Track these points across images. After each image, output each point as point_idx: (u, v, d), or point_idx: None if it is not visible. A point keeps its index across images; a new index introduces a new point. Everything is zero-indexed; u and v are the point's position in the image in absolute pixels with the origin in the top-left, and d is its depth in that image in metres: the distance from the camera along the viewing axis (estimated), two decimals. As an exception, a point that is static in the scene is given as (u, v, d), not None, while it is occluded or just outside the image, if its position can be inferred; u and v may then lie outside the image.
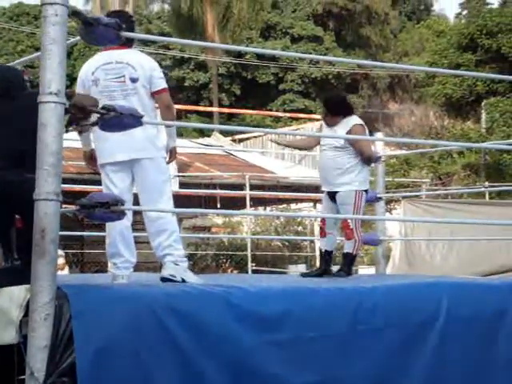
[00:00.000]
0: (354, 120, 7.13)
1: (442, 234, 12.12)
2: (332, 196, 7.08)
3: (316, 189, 18.73)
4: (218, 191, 15.96)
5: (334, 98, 7.42)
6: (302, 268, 18.35)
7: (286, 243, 20.53)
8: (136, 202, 5.28)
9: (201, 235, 18.89)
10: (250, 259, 15.91)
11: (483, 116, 26.78)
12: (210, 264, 19.48)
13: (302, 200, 18.71)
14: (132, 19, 5.45)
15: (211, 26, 32.77)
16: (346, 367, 4.06)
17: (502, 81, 24.88)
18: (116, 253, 5.16)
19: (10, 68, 4.59)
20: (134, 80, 5.09)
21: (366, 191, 7.15)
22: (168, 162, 5.35)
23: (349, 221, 6.97)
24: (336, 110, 7.07)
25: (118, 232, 5.11)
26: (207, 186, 16.32)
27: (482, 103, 27.08)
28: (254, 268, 16.25)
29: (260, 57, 36.72)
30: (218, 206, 16.19)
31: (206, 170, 17.89)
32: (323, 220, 7.26)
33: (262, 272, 15.75)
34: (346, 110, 7.14)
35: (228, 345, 3.83)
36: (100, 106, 4.48)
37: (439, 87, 28.55)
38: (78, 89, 5.17)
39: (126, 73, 5.10)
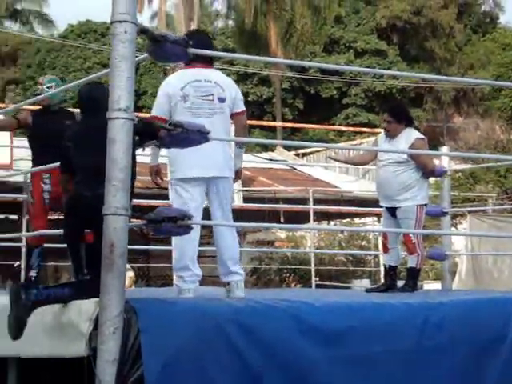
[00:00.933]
0: (416, 133, 7.09)
1: (509, 248, 11.94)
2: (392, 211, 7.03)
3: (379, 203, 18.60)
4: (282, 205, 15.96)
5: (399, 105, 7.43)
6: (366, 283, 18.23)
7: (350, 258, 20.41)
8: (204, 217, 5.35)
9: (264, 249, 18.90)
10: (313, 274, 15.86)
11: (551, 130, 26.32)
12: (273, 278, 19.46)
13: (365, 214, 18.59)
14: (207, 39, 5.56)
15: (275, 41, 32.88)
16: (411, 382, 4.02)
17: None
18: (184, 267, 5.20)
19: (97, 86, 4.68)
20: (221, 100, 5.22)
21: (425, 205, 7.10)
22: (234, 182, 5.45)
23: (411, 235, 6.91)
24: (400, 117, 7.03)
25: (186, 246, 5.18)
26: (271, 201, 16.34)
27: (550, 116, 26.64)
28: (318, 282, 16.20)
29: (323, 71, 36.68)
30: (282, 220, 16.19)
31: (270, 184, 17.91)
32: (385, 235, 7.21)
33: (326, 287, 15.68)
34: (409, 119, 7.15)
35: (294, 360, 3.83)
36: (185, 122, 4.60)
37: (505, 100, 28.21)
38: (163, 102, 5.24)
39: (215, 92, 5.22)
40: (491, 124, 32.17)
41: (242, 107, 5.36)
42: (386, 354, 4.01)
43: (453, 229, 18.84)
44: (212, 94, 5.21)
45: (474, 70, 42.01)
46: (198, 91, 5.19)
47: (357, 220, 20.71)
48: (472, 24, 47.12)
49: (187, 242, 5.11)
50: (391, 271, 7.15)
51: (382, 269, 19.74)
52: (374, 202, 17.16)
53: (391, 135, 7.04)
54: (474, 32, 46.85)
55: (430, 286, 18.39)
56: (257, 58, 5.51)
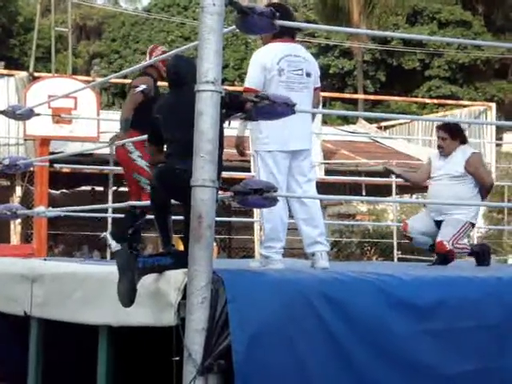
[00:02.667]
0: (471, 149, 6.95)
1: None
2: (440, 225, 6.75)
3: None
4: (364, 178, 15.87)
5: (453, 124, 7.22)
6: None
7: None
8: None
9: (345, 222, 18.85)
10: (395, 247, 15.76)
11: None
12: (354, 251, 19.41)
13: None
14: (290, 12, 5.65)
15: (357, 13, 32.50)
16: (502, 358, 3.97)
17: None
18: (276, 238, 5.24)
19: (185, 59, 4.74)
20: (308, 75, 5.32)
21: (473, 225, 6.88)
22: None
23: (445, 242, 6.57)
24: (455, 134, 6.84)
25: (279, 218, 5.24)
26: (352, 174, 16.25)
27: None
28: (400, 256, 16.08)
29: (406, 43, 36.14)
30: (363, 193, 16.10)
31: (352, 157, 17.81)
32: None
33: (408, 260, 15.55)
34: (463, 136, 6.97)
35: (381, 333, 3.83)
36: (271, 94, 4.67)
37: None
38: (258, 75, 5.25)
39: (304, 67, 5.32)
40: None
41: (319, 82, 5.46)
42: (476, 329, 3.97)
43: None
44: (301, 69, 5.29)
45: None
46: (291, 66, 5.27)
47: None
48: (561, -8, 45.72)
49: (279, 214, 5.17)
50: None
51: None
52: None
53: (446, 153, 6.83)
54: None
55: (516, 260, 18.09)
56: (339, 28, 5.45)
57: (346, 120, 31.81)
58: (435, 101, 29.31)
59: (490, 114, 19.30)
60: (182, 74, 4.42)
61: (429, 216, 6.86)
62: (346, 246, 19.63)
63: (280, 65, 5.24)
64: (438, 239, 6.61)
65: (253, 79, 5.26)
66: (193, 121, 3.73)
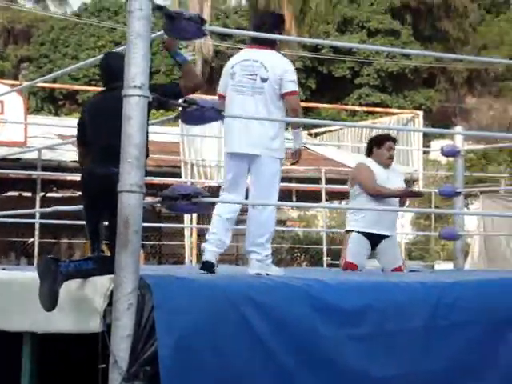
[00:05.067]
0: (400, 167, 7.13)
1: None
2: (378, 241, 6.78)
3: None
4: (294, 185, 15.96)
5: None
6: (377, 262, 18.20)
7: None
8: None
9: (276, 228, 18.89)
10: (325, 253, 15.88)
11: None
12: (284, 257, 19.51)
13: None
14: (282, 20, 5.75)
15: (288, 21, 32.50)
16: (426, 362, 4.03)
17: None
18: (211, 232, 5.34)
19: (115, 54, 4.65)
20: (263, 80, 5.29)
21: None
22: (292, 164, 5.63)
23: (403, 267, 6.87)
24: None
25: (218, 219, 5.34)
26: (283, 180, 16.26)
27: None
28: (330, 262, 16.22)
29: (336, 51, 36.53)
30: (294, 199, 16.19)
31: (282, 163, 17.85)
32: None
33: (337, 266, 15.70)
34: None
35: (308, 337, 3.85)
36: (231, 98, 5.24)
37: (519, 81, 28.02)
38: (221, 80, 5.50)
39: (259, 72, 5.31)
40: (504, 104, 32.03)
41: (288, 88, 5.31)
42: (401, 333, 4.02)
43: (465, 209, 18.81)
44: (255, 74, 5.30)
45: (488, 51, 41.73)
46: (245, 70, 5.34)
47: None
48: (486, 4, 46.77)
49: (215, 218, 5.33)
50: None
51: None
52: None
53: (390, 164, 6.92)
54: (488, 12, 46.53)
55: (442, 266, 18.40)
56: (269, 35, 5.49)
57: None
58: (365, 108, 29.64)
59: (418, 122, 19.59)
60: (115, 70, 4.29)
61: (362, 239, 6.76)
62: (276, 252, 19.69)
63: (234, 69, 5.39)
64: (398, 265, 6.78)
65: (219, 85, 5.50)
66: (117, 122, 3.70)
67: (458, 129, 9.83)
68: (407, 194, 6.92)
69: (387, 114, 23.08)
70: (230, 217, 5.35)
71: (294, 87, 5.36)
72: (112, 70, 4.36)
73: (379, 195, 6.67)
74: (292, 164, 5.61)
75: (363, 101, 38.23)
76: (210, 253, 5.23)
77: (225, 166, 5.51)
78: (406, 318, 4.04)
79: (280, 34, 5.53)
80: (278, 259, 19.18)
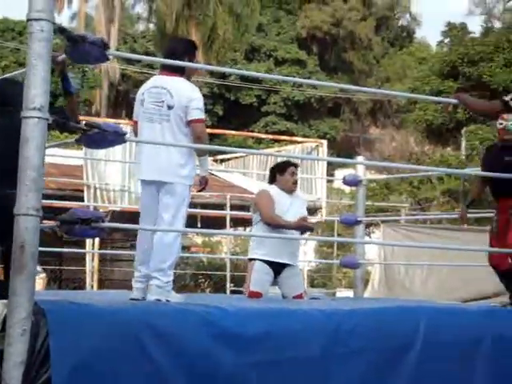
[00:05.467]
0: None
1: (421, 259, 12.15)
2: (278, 270, 6.81)
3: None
4: (199, 210, 15.93)
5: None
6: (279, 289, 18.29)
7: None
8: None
9: (181, 254, 18.80)
10: (228, 279, 15.88)
11: (463, 143, 26.96)
12: (188, 283, 19.42)
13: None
14: (195, 46, 5.75)
15: (196, 47, 32.80)
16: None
17: (482, 108, 25.05)
18: (136, 268, 5.43)
19: (8, 80, 4.59)
20: (169, 107, 5.30)
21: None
22: (199, 191, 5.56)
23: (304, 294, 7.01)
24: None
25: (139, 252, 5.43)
26: (188, 205, 16.26)
27: (462, 130, 27.28)
28: (233, 288, 16.23)
29: (243, 79, 36.79)
30: (199, 225, 16.15)
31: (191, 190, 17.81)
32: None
33: (241, 292, 15.72)
34: None
35: (204, 364, 3.83)
36: (141, 125, 5.34)
37: (420, 113, 28.75)
38: (135, 108, 5.54)
39: (165, 99, 5.32)
40: (406, 136, 32.79)
41: (193, 116, 5.31)
42: (298, 360, 4.03)
43: (366, 238, 19.10)
44: (163, 101, 5.32)
45: (391, 83, 42.76)
46: (152, 97, 5.36)
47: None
48: (390, 37, 47.99)
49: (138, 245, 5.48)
50: None
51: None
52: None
53: (294, 189, 6.95)
54: (392, 45, 47.73)
55: (343, 293, 18.62)
56: (177, 62, 5.49)
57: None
58: (271, 136, 29.91)
59: (322, 151, 19.85)
60: (8, 96, 4.27)
61: (265, 267, 6.76)
62: (180, 278, 19.60)
63: (143, 96, 5.43)
64: (299, 292, 6.85)
65: (134, 111, 5.56)
66: (11, 145, 3.64)
67: (360, 158, 10.00)
68: (301, 227, 6.87)
69: (292, 142, 23.33)
70: (149, 247, 5.36)
71: (200, 115, 5.34)
72: (6, 94, 4.31)
73: (275, 225, 6.70)
74: (199, 191, 5.59)
75: (269, 128, 38.63)
76: (139, 290, 5.33)
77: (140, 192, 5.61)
78: (304, 344, 4.06)
79: (191, 60, 5.53)
80: (181, 285, 19.08)
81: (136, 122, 5.49)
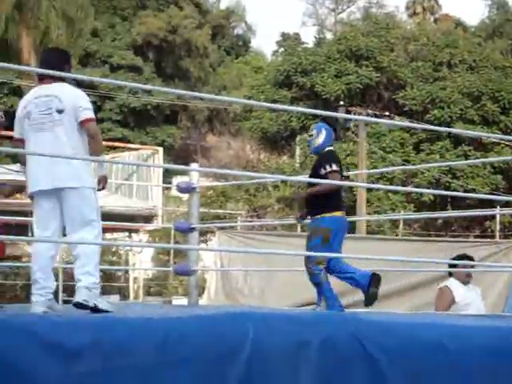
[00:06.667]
0: None
1: (258, 266, 12.29)
2: None
3: (131, 219, 18.60)
4: (30, 219, 15.49)
5: None
6: (115, 298, 18.07)
7: (100, 273, 20.18)
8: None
9: (9, 264, 18.26)
10: (61, 289, 15.51)
11: (297, 151, 27.55)
12: (19, 294, 18.86)
13: (116, 229, 18.50)
14: (68, 56, 5.88)
15: (27, 51, 31.92)
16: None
17: (315, 117, 25.71)
18: (33, 280, 5.35)
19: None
20: (59, 111, 5.29)
21: None
22: (99, 190, 5.52)
23: None
24: None
25: (35, 260, 5.38)
26: (19, 214, 15.79)
27: (297, 138, 27.89)
28: (66, 298, 15.86)
29: (78, 84, 36.19)
30: (30, 234, 15.70)
31: (18, 197, 17.35)
32: None
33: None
34: None
35: (30, 376, 3.69)
36: (31, 138, 5.30)
37: (256, 121, 29.15)
38: (15, 124, 5.49)
39: (53, 105, 5.30)
40: (242, 144, 33.22)
41: (85, 115, 5.34)
42: (125, 370, 3.95)
43: (203, 245, 19.13)
44: (51, 108, 5.29)
45: (228, 91, 43.26)
46: (39, 106, 5.32)
47: (108, 235, 20.56)
48: (226, 46, 48.55)
49: (36, 256, 5.38)
50: None
51: (131, 284, 19.71)
52: (126, 217, 17.13)
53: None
54: (228, 54, 48.31)
55: (179, 301, 18.59)
56: (8, 65, 5.33)
57: (15, 159, 30.91)
58: (105, 143, 29.55)
59: (158, 158, 19.81)
60: None
61: None
62: (10, 289, 19.03)
63: (27, 109, 5.38)
64: None
65: (14, 130, 5.50)
66: None
67: (195, 165, 10.00)
68: None
69: (128, 149, 23.15)
70: (52, 254, 5.44)
71: (91, 114, 5.40)
72: None
73: None
74: (99, 190, 5.53)
75: (105, 135, 38.05)
76: (40, 303, 5.29)
77: (34, 206, 5.44)
78: (130, 354, 3.98)
79: (70, 69, 5.62)
80: (12, 296, 18.50)
81: (18, 140, 5.45)
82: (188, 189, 8.25)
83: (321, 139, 7.09)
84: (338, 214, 6.90)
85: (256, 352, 4.34)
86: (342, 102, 24.85)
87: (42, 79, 5.51)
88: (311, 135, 7.18)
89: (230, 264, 13.59)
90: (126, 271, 20.05)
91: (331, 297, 6.90)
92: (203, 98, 41.09)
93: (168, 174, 30.72)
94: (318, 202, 6.84)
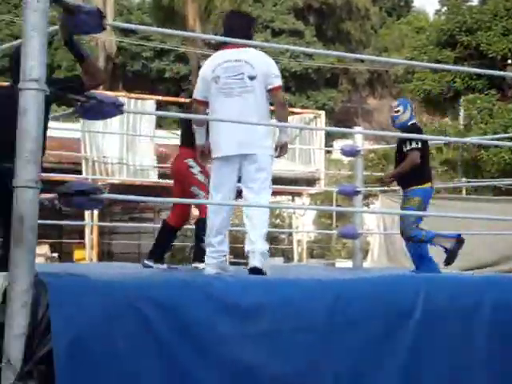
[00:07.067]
0: None
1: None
2: None
3: (294, 182, 18.78)
4: (197, 183, 15.91)
5: None
6: (279, 261, 18.36)
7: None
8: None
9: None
10: (228, 251, 15.91)
11: (461, 113, 26.87)
12: (188, 256, 19.45)
13: (280, 193, 18.73)
14: (253, 21, 5.82)
15: (192, 18, 32.59)
16: (323, 358, 4.07)
17: (480, 77, 24.97)
18: (208, 243, 5.47)
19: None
20: (251, 78, 5.28)
21: None
22: (277, 156, 5.55)
23: None
24: None
25: (212, 221, 5.43)
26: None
27: (461, 100, 27.18)
28: (232, 260, 16.26)
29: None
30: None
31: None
32: None
33: (239, 265, 15.76)
34: None
35: (206, 335, 3.84)
36: (218, 102, 5.24)
37: (418, 83, 28.56)
38: (199, 85, 5.48)
39: (245, 71, 5.29)
40: (404, 106, 32.59)
41: (275, 83, 5.35)
42: (298, 330, 4.04)
43: (365, 208, 19.08)
44: (242, 73, 5.29)
45: (389, 53, 42.57)
46: (229, 71, 5.31)
47: (271, 198, 20.83)
48: (387, 7, 47.73)
49: (211, 219, 5.43)
50: None
51: (295, 247, 19.96)
52: (288, 181, 17.27)
53: None
54: (389, 15, 47.51)
55: (342, 264, 18.67)
56: (174, 32, 5.53)
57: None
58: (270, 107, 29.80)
59: (320, 122, 19.81)
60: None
61: None
62: (179, 251, 19.65)
63: (216, 72, 5.34)
64: None
65: (196, 91, 5.51)
66: (8, 117, 3.63)
67: (359, 129, 9.98)
68: None
69: (291, 113, 23.28)
70: (226, 218, 5.50)
71: (280, 82, 5.40)
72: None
73: None
74: (277, 157, 5.58)
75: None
76: (212, 265, 5.41)
77: (212, 167, 5.51)
78: (303, 315, 4.06)
79: (252, 35, 5.58)
80: (181, 257, 19.12)
81: (200, 102, 5.46)
82: (352, 152, 8.26)
83: (407, 115, 7.24)
84: (426, 185, 7.16)
85: (427, 314, 4.34)
86: (509, 61, 24.00)
87: (227, 44, 5.49)
88: (397, 111, 7.26)
89: (393, 227, 13.51)
90: (290, 234, 20.28)
91: (430, 259, 7.18)
92: (364, 60, 40.65)
93: (329, 138, 30.74)
94: (407, 176, 7.09)
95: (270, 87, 5.32)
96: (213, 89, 5.34)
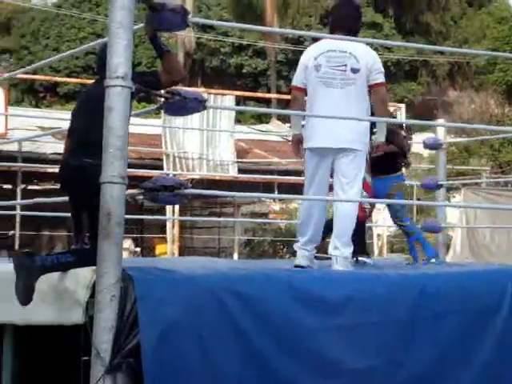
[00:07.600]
0: None
1: (505, 223, 11.94)
2: None
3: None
4: (276, 177, 15.95)
5: None
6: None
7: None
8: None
9: (258, 220, 18.90)
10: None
11: (545, 104, 26.27)
12: (266, 250, 19.51)
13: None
14: (361, 11, 5.62)
15: (270, 13, 32.65)
16: (407, 352, 4.04)
17: None
18: (301, 232, 5.40)
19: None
20: (355, 71, 5.11)
21: None
22: (373, 155, 5.49)
23: None
24: None
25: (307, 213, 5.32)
26: (265, 172, 16.32)
27: (545, 91, 26.58)
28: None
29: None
30: (276, 192, 16.18)
31: (265, 156, 17.87)
32: None
33: (319, 258, 15.73)
34: None
35: (289, 328, 3.85)
36: (317, 91, 5.04)
37: (500, 74, 28.13)
38: (299, 72, 5.31)
39: (349, 63, 5.13)
40: (485, 98, 32.11)
41: (379, 79, 5.19)
42: (382, 324, 4.02)
43: (447, 202, 18.84)
44: (345, 65, 5.13)
45: (469, 44, 41.84)
46: (331, 61, 5.15)
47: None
48: (468, -3, 46.88)
49: (306, 209, 5.33)
50: None
51: (375, 241, 19.83)
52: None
53: None
54: (470, 5, 46.66)
55: (423, 258, 18.40)
56: (252, 27, 5.54)
57: (260, 119, 31.87)
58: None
59: (400, 114, 19.61)
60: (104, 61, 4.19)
61: None
62: (258, 245, 19.71)
63: (318, 60, 5.18)
64: None
65: (295, 77, 5.34)
66: (96, 113, 3.68)
67: (441, 121, 9.85)
68: None
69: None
70: (319, 211, 5.31)
71: (383, 78, 5.23)
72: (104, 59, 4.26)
73: None
74: (371, 156, 5.49)
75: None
76: (304, 258, 5.29)
77: (306, 161, 5.27)
78: (387, 309, 4.04)
79: (359, 28, 5.45)
80: (260, 252, 19.19)
81: (298, 89, 5.26)
82: (435, 145, 8.13)
83: None
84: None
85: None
86: None
87: (333, 33, 5.30)
88: None
89: (476, 221, 13.32)
90: (370, 228, 20.13)
91: (428, 244, 7.06)
92: (444, 52, 40.06)
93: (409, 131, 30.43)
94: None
95: (372, 83, 5.16)
96: (312, 77, 5.16)
